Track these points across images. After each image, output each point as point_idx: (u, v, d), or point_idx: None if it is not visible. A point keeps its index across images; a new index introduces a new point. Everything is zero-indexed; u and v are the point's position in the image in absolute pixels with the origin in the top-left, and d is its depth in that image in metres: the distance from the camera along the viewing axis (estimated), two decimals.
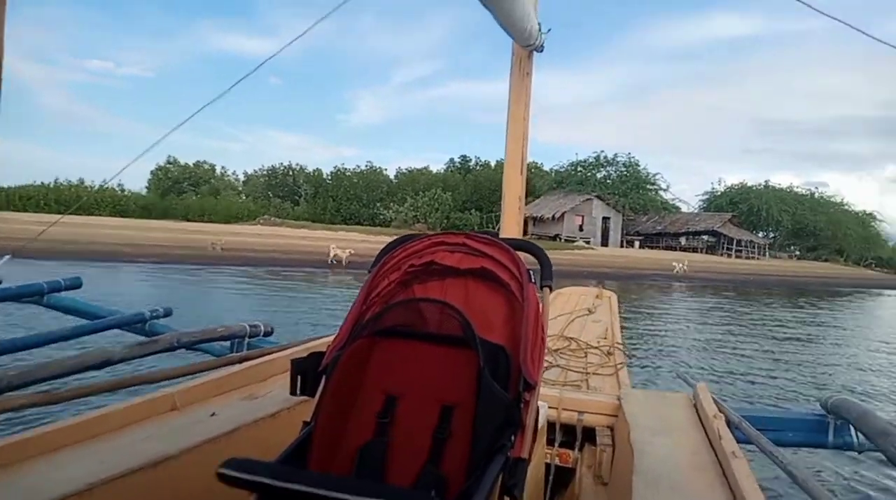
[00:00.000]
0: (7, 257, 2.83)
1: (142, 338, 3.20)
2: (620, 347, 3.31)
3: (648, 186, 53.82)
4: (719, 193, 59.50)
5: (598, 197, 48.82)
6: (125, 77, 73.00)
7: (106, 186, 47.09)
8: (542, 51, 3.55)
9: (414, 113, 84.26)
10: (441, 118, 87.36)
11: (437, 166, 61.25)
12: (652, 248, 51.10)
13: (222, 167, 65.25)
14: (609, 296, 4.69)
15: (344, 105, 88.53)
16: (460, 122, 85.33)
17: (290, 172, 57.53)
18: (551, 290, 1.43)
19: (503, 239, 1.37)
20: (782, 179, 57.56)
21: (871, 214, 61.67)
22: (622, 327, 3.88)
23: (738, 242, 50.77)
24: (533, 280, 1.25)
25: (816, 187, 60.58)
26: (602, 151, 54.11)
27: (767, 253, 53.79)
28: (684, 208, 57.94)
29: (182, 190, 58.46)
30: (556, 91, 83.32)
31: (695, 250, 51.74)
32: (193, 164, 63.74)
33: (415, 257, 1.33)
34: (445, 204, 46.13)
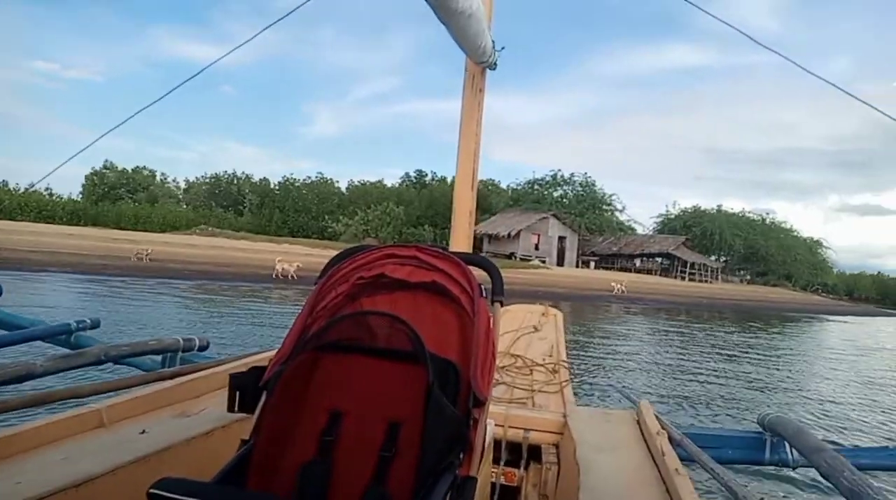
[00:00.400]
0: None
1: (67, 351, 3.10)
2: (565, 364, 3.39)
3: (604, 207, 55.53)
4: (673, 216, 61.80)
5: (555, 216, 49.85)
6: (71, 80, 71.59)
7: (32, 189, 45.45)
8: (494, 68, 3.68)
9: (372, 128, 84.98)
10: (399, 134, 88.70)
11: (393, 181, 61.46)
12: (608, 269, 52.42)
13: (162, 174, 63.62)
14: (555, 314, 4.83)
15: (301, 117, 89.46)
16: (418, 137, 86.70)
17: (235, 181, 56.44)
18: (502, 305, 1.43)
19: (455, 253, 1.38)
20: (733, 204, 60.90)
21: (818, 241, 65.43)
22: (567, 345, 4.02)
23: (692, 265, 52.67)
24: (484, 295, 1.26)
25: (767, 213, 63.68)
26: (559, 170, 55.69)
27: (720, 277, 55.97)
28: (639, 230, 59.94)
29: (118, 196, 56.56)
30: (514, 111, 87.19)
31: (650, 271, 53.40)
32: (132, 169, 62.19)
33: (364, 270, 1.31)
34: (398, 218, 46.08)
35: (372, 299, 1.29)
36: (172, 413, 1.85)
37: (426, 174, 64.08)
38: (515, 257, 46.91)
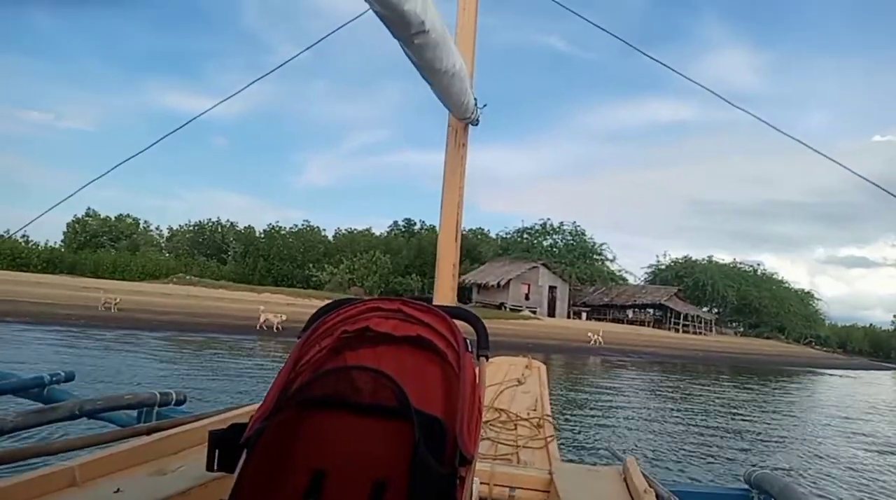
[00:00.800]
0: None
1: (40, 405, 3.04)
2: (550, 419, 3.39)
3: (595, 256, 56.05)
4: (664, 267, 62.36)
5: (545, 265, 50.19)
6: (64, 130, 73.81)
7: (10, 236, 45.37)
8: (477, 124, 3.84)
9: (362, 178, 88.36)
10: (388, 183, 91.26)
11: (381, 229, 61.74)
12: (600, 319, 52.43)
13: (145, 222, 63.52)
14: (538, 367, 4.86)
15: (292, 167, 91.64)
16: (407, 187, 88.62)
17: (219, 229, 56.43)
18: (488, 359, 1.41)
19: (439, 306, 1.37)
20: (721, 256, 62.02)
21: (809, 292, 66.01)
22: (552, 399, 4.08)
23: (685, 316, 52.81)
24: (470, 349, 1.25)
25: (758, 264, 64.33)
26: (548, 219, 56.18)
27: (714, 328, 56.14)
28: (631, 280, 60.33)
29: (100, 244, 56.37)
30: (502, 164, 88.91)
31: (642, 323, 53.50)
32: (115, 217, 62.14)
33: (349, 323, 1.31)
34: (384, 267, 46.09)
35: (356, 353, 1.28)
36: (149, 471, 1.81)
37: (415, 223, 64.33)
38: (505, 308, 46.87)
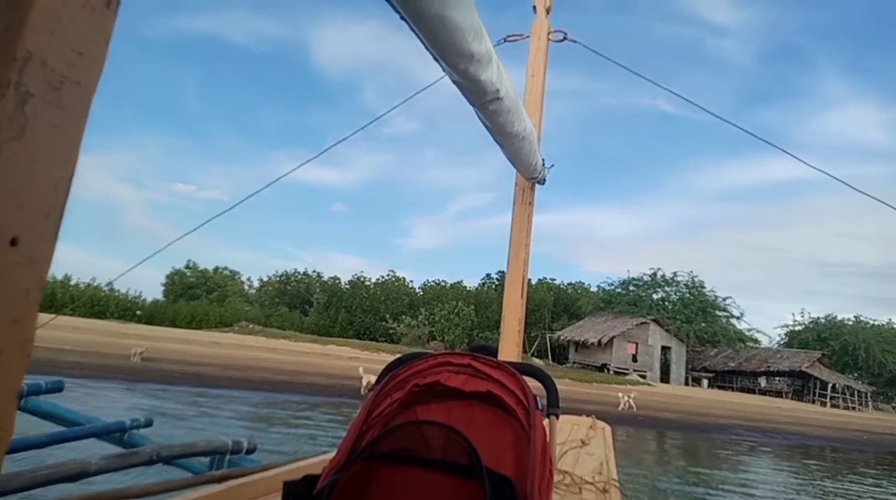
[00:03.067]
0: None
1: (120, 449, 3.26)
2: (617, 484, 3.13)
3: (717, 312, 47.02)
4: (802, 326, 52.14)
5: (656, 321, 42.66)
6: (203, 199, 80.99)
7: (106, 286, 45.75)
8: (544, 183, 4.03)
9: (466, 239, 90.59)
10: (490, 245, 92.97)
11: (473, 283, 57.18)
12: (723, 388, 43.77)
13: (237, 274, 63.30)
14: (603, 427, 4.54)
15: (401, 231, 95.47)
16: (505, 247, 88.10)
17: (304, 279, 54.14)
18: (558, 418, 1.48)
19: (509, 363, 1.37)
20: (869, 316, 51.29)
21: None
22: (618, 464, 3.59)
23: (833, 386, 42.86)
24: (540, 408, 1.24)
25: None
26: (658, 269, 48.33)
27: (870, 403, 45.24)
28: (764, 342, 50.58)
29: (195, 295, 56.20)
30: (605, 224, 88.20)
31: (779, 393, 44.05)
32: (212, 269, 62.64)
33: (419, 377, 1.30)
34: (468, 320, 40.71)
35: (427, 407, 1.26)
36: None
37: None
38: (608, 370, 39.78)
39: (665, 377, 42.00)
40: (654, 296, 47.12)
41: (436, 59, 2.06)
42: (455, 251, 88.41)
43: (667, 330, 42.73)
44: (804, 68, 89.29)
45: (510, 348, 3.81)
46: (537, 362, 39.34)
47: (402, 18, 1.77)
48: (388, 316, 42.85)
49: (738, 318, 47.96)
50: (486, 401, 1.22)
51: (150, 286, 60.33)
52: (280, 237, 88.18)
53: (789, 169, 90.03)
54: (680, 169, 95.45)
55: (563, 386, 29.61)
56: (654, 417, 25.71)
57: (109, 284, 45.87)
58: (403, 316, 41.81)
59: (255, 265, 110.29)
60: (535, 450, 1.11)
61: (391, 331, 41.51)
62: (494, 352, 1.48)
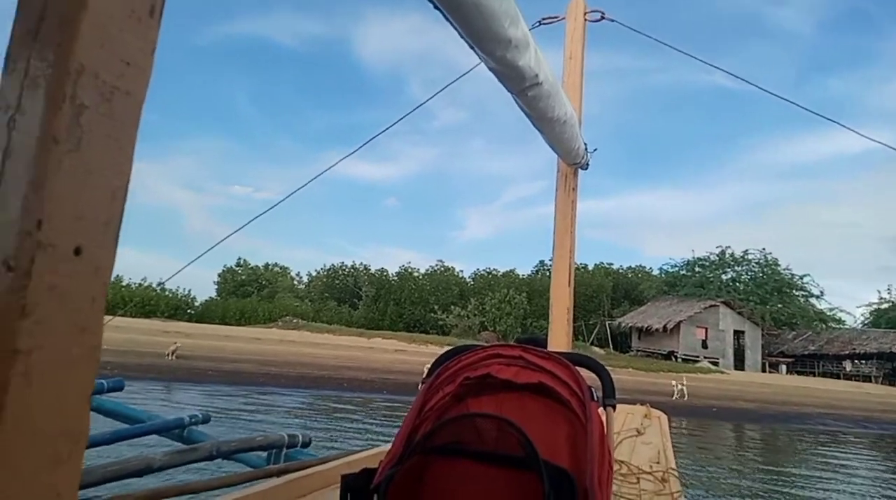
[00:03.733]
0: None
1: (179, 445, 3.48)
2: (675, 473, 3.06)
3: (794, 292, 43.01)
4: (890, 304, 47.42)
5: (727, 304, 39.29)
6: (260, 200, 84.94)
7: (157, 286, 46.25)
8: (587, 168, 3.93)
9: (518, 229, 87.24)
10: (543, 232, 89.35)
11: (526, 271, 55.12)
12: (803, 374, 40.12)
13: (283, 269, 63.29)
14: (658, 416, 4.45)
15: (453, 223, 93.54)
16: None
17: (352, 273, 53.23)
18: (615, 409, 1.44)
19: (560, 353, 1.37)
20: None
21: None
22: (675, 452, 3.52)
23: None
24: (595, 398, 1.23)
25: None
26: (727, 247, 44.59)
27: None
28: (847, 322, 46.20)
29: (247, 292, 56.44)
30: (665, 207, 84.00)
31: (867, 378, 40.08)
32: (262, 266, 62.95)
33: (470, 369, 1.31)
34: (520, 307, 38.57)
35: (478, 399, 1.27)
36: None
37: None
38: (676, 358, 36.90)
39: (739, 364, 38.75)
40: (724, 277, 43.49)
41: (471, 47, 2.03)
42: (508, 240, 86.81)
43: (739, 313, 39.35)
44: (871, 33, 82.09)
45: (560, 338, 3.79)
46: (597, 351, 36.93)
47: (437, 7, 1.72)
48: (436, 307, 41.11)
49: (817, 297, 43.62)
50: (538, 393, 1.22)
51: (204, 285, 61.04)
52: (335, 234, 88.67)
53: (858, 141, 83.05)
54: (741, 146, 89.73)
55: (627, 376, 27.38)
56: (730, 407, 23.12)
57: (161, 284, 46.14)
58: (453, 307, 40.04)
59: (312, 263, 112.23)
60: (592, 442, 1.09)
61: (441, 322, 39.85)
62: (544, 343, 1.47)
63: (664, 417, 4.52)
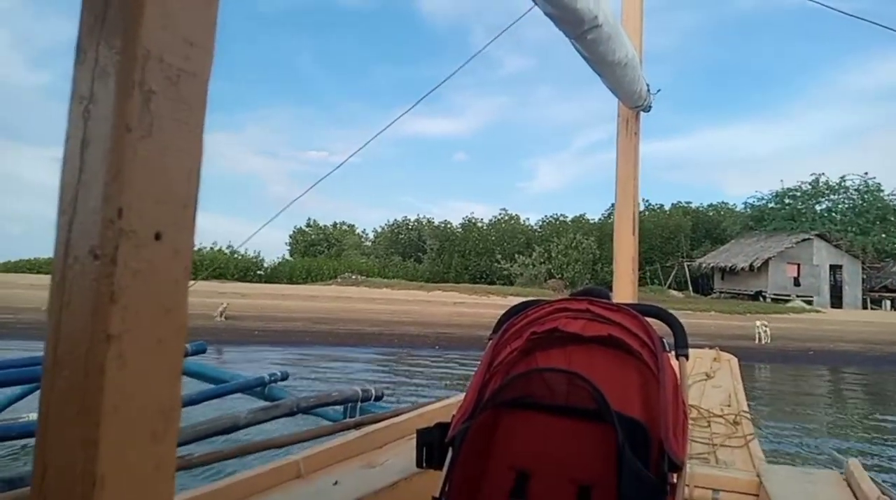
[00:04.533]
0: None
1: (262, 402, 3.65)
2: (748, 416, 3.10)
3: None
4: None
5: (821, 236, 35.72)
6: (335, 164, 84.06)
7: (227, 249, 47.48)
8: (649, 110, 3.79)
9: (591, 175, 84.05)
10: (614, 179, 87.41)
11: (596, 215, 52.90)
12: None
13: (351, 227, 63.65)
14: (728, 359, 4.47)
15: (524, 174, 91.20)
16: (643, 180, 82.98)
17: (416, 227, 52.60)
18: (687, 359, 1.41)
19: (629, 305, 1.37)
20: None
21: None
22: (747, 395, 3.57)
23: None
24: (668, 349, 1.22)
25: None
26: (821, 174, 40.23)
27: None
28: None
29: (317, 252, 57.37)
30: (748, 142, 78.09)
31: None
32: (332, 225, 63.73)
33: (537, 324, 1.31)
34: (588, 252, 36.62)
35: (546, 353, 1.27)
36: (360, 464, 2.05)
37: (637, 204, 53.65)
38: (764, 298, 34.22)
39: (837, 301, 35.48)
40: (818, 207, 39.41)
41: None
42: (580, 187, 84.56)
43: (836, 246, 35.73)
44: None
45: (625, 288, 3.68)
46: (675, 295, 34.73)
47: None
48: (499, 257, 39.77)
49: None
50: (607, 345, 1.22)
51: (277, 246, 62.16)
52: (408, 192, 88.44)
53: None
54: (829, 71, 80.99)
55: (709, 320, 25.36)
56: (829, 350, 20.85)
57: (233, 249, 47.13)
58: (518, 255, 38.60)
59: (384, 222, 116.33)
60: (665, 393, 1.07)
61: (505, 272, 38.59)
62: (607, 295, 1.45)
63: (734, 360, 4.40)
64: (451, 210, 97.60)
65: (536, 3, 1.96)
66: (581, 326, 1.24)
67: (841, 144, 72.20)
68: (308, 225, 62.56)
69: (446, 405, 2.51)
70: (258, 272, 44.63)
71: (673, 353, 1.29)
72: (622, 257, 3.78)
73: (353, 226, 65.31)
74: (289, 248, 61.25)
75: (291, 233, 62.10)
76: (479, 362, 1.28)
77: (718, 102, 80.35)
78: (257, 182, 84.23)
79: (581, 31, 2.20)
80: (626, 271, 3.74)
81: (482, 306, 25.01)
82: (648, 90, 3.54)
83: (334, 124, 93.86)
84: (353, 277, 35.32)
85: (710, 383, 3.75)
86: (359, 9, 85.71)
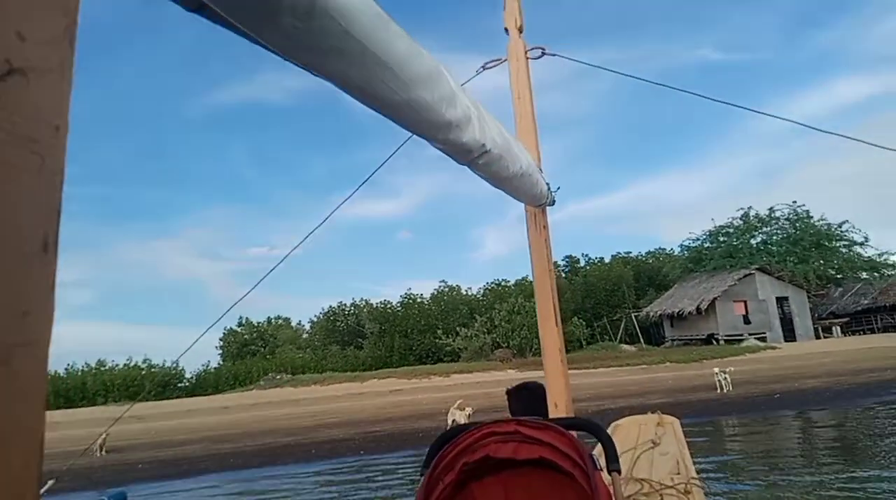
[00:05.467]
0: (51, 482, 3.37)
1: None
2: (697, 482, 3.04)
3: (836, 243, 38.73)
4: None
5: (762, 270, 35.36)
6: (277, 257, 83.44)
7: (171, 365, 43.63)
8: (553, 204, 3.91)
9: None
10: (560, 234, 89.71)
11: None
12: (858, 333, 35.94)
13: (286, 320, 60.22)
14: (671, 422, 4.35)
15: (471, 244, 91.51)
16: (579, 230, 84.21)
17: (354, 311, 49.92)
18: (620, 473, 1.39)
19: (558, 420, 1.38)
20: None
21: None
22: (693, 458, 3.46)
23: None
24: (599, 467, 1.19)
25: None
26: (749, 207, 40.48)
27: None
28: None
29: (252, 352, 53.45)
30: (676, 191, 79.63)
31: None
32: (266, 321, 60.18)
33: (468, 453, 1.29)
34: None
35: (481, 484, 1.26)
36: None
37: (577, 260, 53.33)
38: (717, 340, 32.93)
39: (789, 334, 34.68)
40: (753, 241, 39.48)
41: (412, 133, 2.04)
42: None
43: (778, 277, 35.41)
44: None
45: (556, 379, 3.59)
46: (627, 349, 33.11)
47: (369, 107, 1.67)
48: (439, 332, 37.45)
49: (861, 244, 39.06)
50: (541, 467, 1.21)
51: (207, 352, 57.37)
52: (354, 277, 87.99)
53: (858, 87, 78.64)
54: (741, 115, 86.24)
55: (665, 373, 23.60)
56: (796, 390, 19.25)
57: (150, 363, 43.20)
58: (460, 328, 36.40)
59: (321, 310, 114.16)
60: None
61: (448, 348, 36.20)
62: (541, 390, 1.77)
63: (676, 422, 4.36)
64: (401, 290, 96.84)
65: (427, 141, 2.05)
66: (512, 449, 1.23)
67: (765, 181, 75.48)
68: (240, 324, 58.87)
69: None
70: (179, 385, 40.66)
71: (604, 470, 1.26)
72: (550, 349, 3.67)
73: (289, 319, 61.80)
74: (220, 352, 57.38)
75: (221, 336, 58.25)
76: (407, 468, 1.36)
77: (645, 155, 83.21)
78: (200, 286, 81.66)
79: (471, 159, 2.32)
80: (555, 363, 3.66)
81: (421, 391, 22.53)
82: (549, 188, 3.68)
83: (274, 218, 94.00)
84: (278, 377, 32.12)
85: (657, 451, 3.71)
86: (286, 106, 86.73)
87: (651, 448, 3.73)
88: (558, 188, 3.85)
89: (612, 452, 1.35)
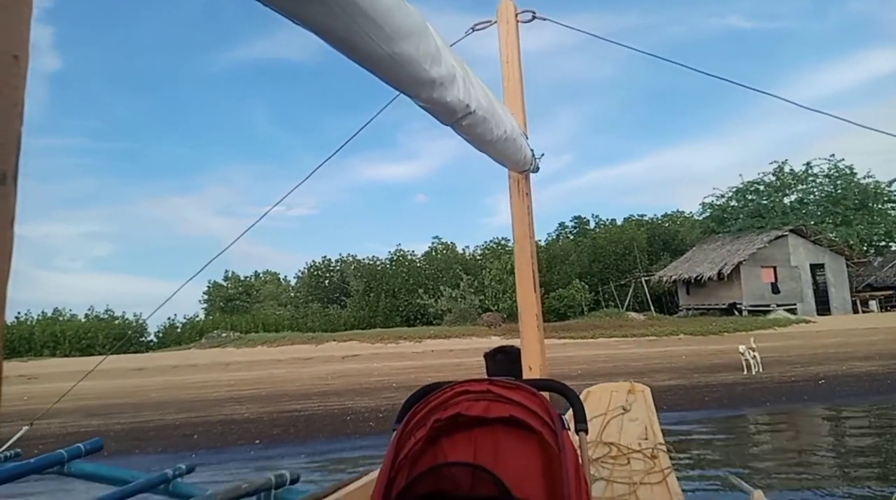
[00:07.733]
0: (25, 427, 3.44)
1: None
2: (664, 448, 3.10)
3: (884, 204, 33.77)
4: None
5: (796, 232, 30.89)
6: (293, 217, 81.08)
7: (143, 320, 41.11)
8: (537, 171, 3.89)
9: (554, 205, 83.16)
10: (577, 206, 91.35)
11: (544, 235, 48.08)
12: None
13: (274, 275, 57.20)
14: (643, 390, 4.38)
15: (486, 209, 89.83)
16: (598, 205, 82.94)
17: (339, 267, 46.38)
18: (587, 433, 1.44)
19: (530, 381, 1.41)
20: None
21: None
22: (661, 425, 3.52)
23: None
24: (567, 426, 1.24)
25: None
26: (784, 161, 35.50)
27: None
28: None
29: (236, 307, 50.59)
30: (698, 160, 75.63)
31: None
32: (253, 276, 57.41)
33: (440, 410, 1.33)
34: None
35: (452, 440, 1.29)
36: None
37: (587, 221, 49.42)
38: (739, 311, 28.87)
39: (823, 307, 30.49)
40: (786, 200, 34.75)
41: (396, 89, 1.99)
42: (546, 218, 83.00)
43: (815, 241, 30.94)
44: None
45: (532, 345, 3.61)
46: (635, 317, 29.16)
47: (352, 59, 1.65)
48: (421, 292, 33.73)
49: None
50: (510, 425, 1.25)
51: (191, 305, 55.30)
52: (371, 238, 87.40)
53: (887, 62, 73.14)
54: (767, 85, 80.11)
55: (678, 347, 19.74)
56: (843, 375, 15.28)
57: (112, 313, 40.52)
58: (444, 288, 32.63)
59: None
60: (567, 472, 1.10)
61: (431, 309, 32.50)
62: (517, 353, 1.92)
63: (647, 390, 4.44)
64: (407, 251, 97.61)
65: (410, 99, 2.03)
66: (483, 407, 1.27)
67: (786, 154, 70.94)
68: (226, 278, 55.94)
69: (368, 482, 2.43)
70: (143, 340, 37.51)
71: (573, 429, 1.33)
72: (527, 314, 3.63)
73: (277, 274, 58.78)
74: (204, 306, 54.64)
75: (206, 289, 55.37)
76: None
77: (669, 123, 78.76)
78: (216, 243, 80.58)
79: (455, 120, 2.30)
80: (532, 329, 3.60)
81: (380, 359, 18.89)
82: (534, 155, 3.66)
83: (291, 178, 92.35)
84: (223, 335, 28.63)
85: (627, 417, 3.77)
86: (306, 65, 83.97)
87: (621, 414, 3.80)
88: (542, 155, 3.85)
89: (580, 413, 1.39)
